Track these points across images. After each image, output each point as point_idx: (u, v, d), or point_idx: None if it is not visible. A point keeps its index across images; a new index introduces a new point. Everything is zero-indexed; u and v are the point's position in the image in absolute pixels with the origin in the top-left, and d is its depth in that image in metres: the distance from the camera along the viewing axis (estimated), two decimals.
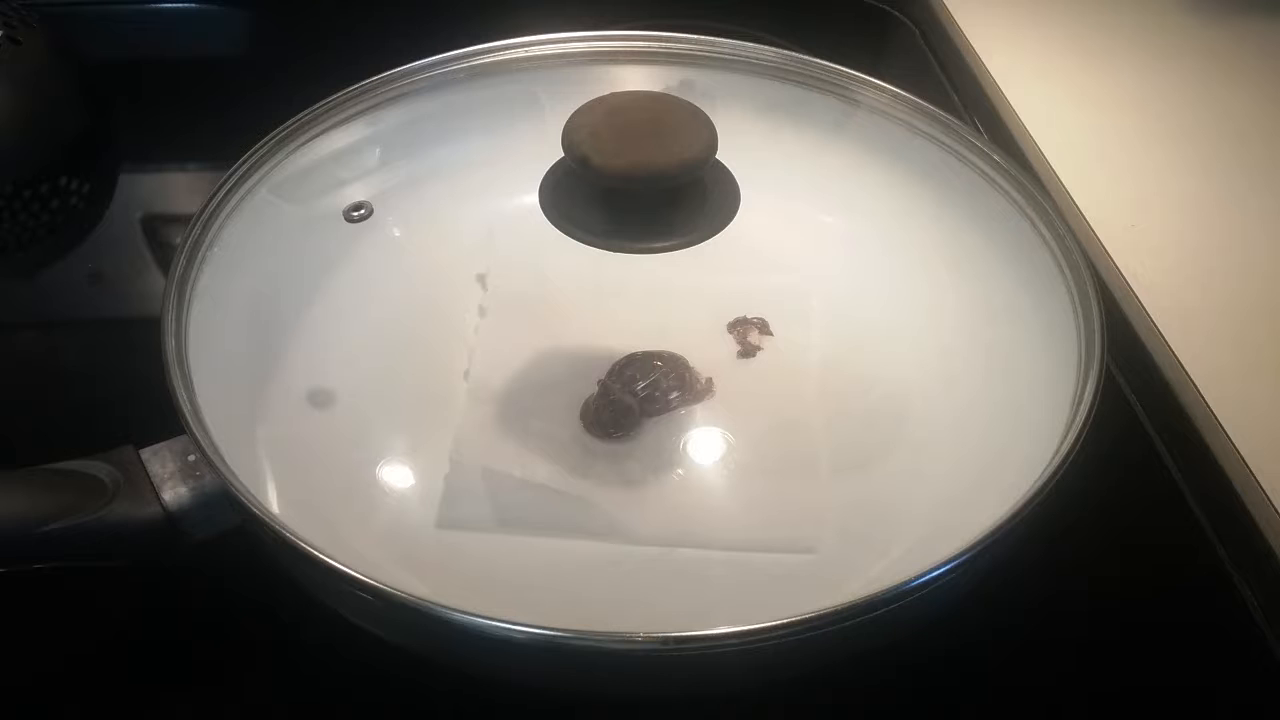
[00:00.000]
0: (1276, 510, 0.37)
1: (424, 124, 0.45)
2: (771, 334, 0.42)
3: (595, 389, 0.39)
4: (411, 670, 0.35)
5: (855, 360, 0.41)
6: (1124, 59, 0.56)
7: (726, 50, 0.45)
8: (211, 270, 0.39)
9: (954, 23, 0.58)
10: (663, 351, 0.40)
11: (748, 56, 0.45)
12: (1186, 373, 0.41)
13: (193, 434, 0.33)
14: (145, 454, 0.34)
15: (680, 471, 0.38)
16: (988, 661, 0.37)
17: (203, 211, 0.39)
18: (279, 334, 0.41)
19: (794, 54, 0.45)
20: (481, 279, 0.43)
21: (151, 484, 0.34)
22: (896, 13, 0.63)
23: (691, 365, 0.40)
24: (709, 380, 0.40)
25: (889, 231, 0.44)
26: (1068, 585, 0.39)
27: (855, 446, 0.39)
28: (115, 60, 0.60)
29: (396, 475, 0.39)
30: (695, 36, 0.45)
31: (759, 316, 0.42)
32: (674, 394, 0.39)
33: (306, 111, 0.43)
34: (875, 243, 0.44)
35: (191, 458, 0.34)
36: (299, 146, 0.43)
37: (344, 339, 0.41)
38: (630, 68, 0.46)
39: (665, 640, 0.29)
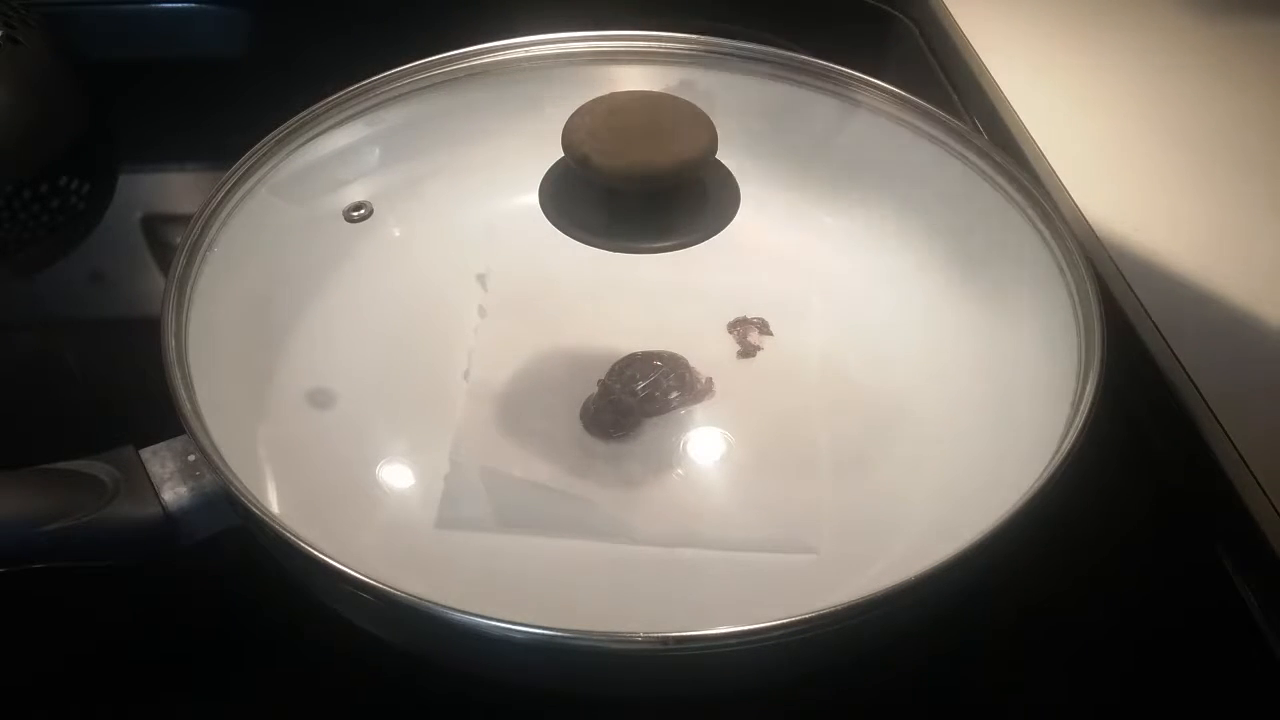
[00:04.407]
0: (1276, 510, 0.37)
1: (424, 124, 0.45)
2: (771, 334, 0.42)
3: (595, 389, 0.39)
4: (411, 670, 0.35)
5: (855, 360, 0.41)
6: (1124, 58, 0.56)
7: (726, 50, 0.45)
8: (211, 270, 0.39)
9: (954, 23, 0.58)
10: (663, 351, 0.40)
11: (748, 56, 0.45)
12: (1187, 373, 0.41)
13: (193, 434, 0.33)
14: (145, 454, 0.34)
15: (680, 471, 0.38)
16: (987, 661, 0.37)
17: (203, 211, 0.39)
18: (279, 334, 0.41)
19: (794, 54, 0.45)
20: (481, 279, 0.43)
21: (151, 484, 0.34)
22: (896, 13, 0.63)
23: (691, 365, 0.40)
24: (709, 380, 0.40)
25: (889, 232, 0.44)
26: (1067, 585, 0.39)
27: (855, 446, 0.39)
28: (115, 60, 0.60)
29: (396, 475, 0.39)
30: (695, 36, 0.45)
31: (759, 316, 0.42)
32: (674, 394, 0.39)
33: (306, 111, 0.43)
34: (875, 243, 0.44)
35: (191, 458, 0.34)
36: (299, 146, 0.43)
37: (344, 339, 0.41)
38: (630, 68, 0.46)
39: (665, 640, 0.29)
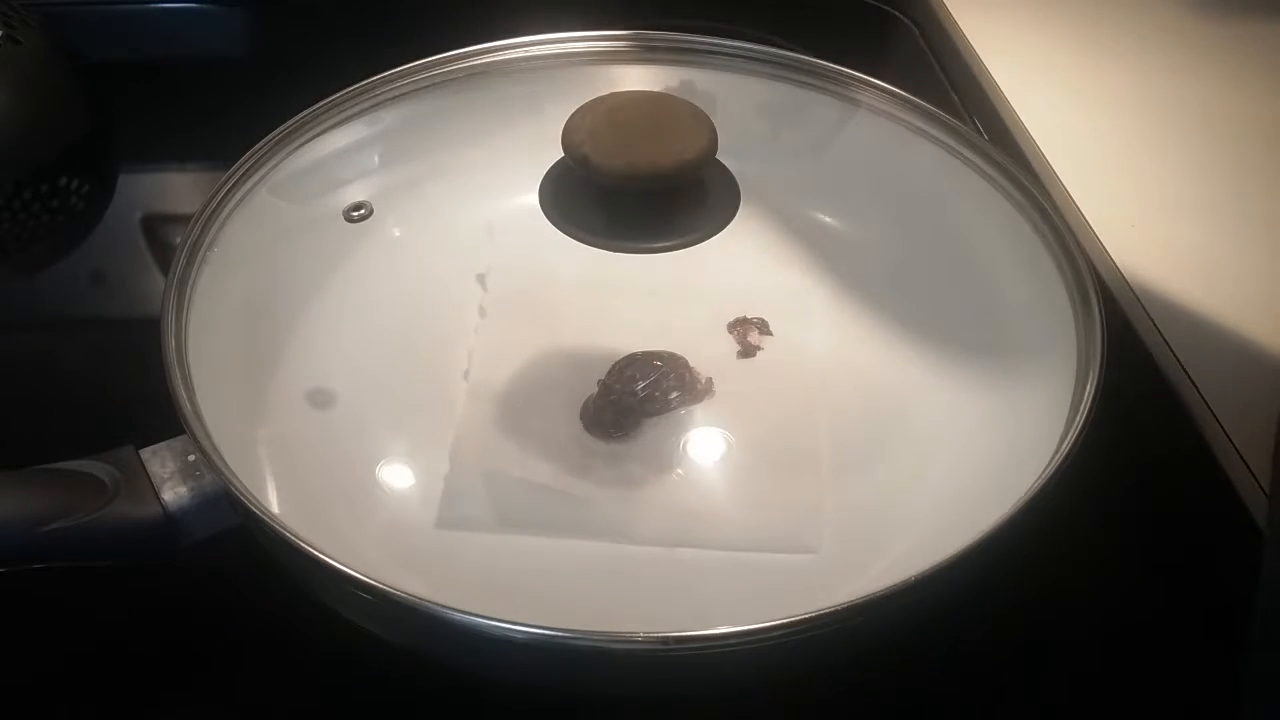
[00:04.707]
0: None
1: (424, 124, 0.45)
2: (771, 334, 0.42)
3: (595, 389, 0.39)
4: (411, 670, 0.35)
5: (855, 360, 0.41)
6: (1125, 58, 0.56)
7: (726, 50, 0.45)
8: (211, 270, 0.39)
9: (954, 23, 0.58)
10: (663, 351, 0.40)
11: (748, 56, 0.45)
12: (1186, 373, 0.41)
13: (193, 434, 0.33)
14: (145, 454, 0.34)
15: (680, 471, 0.38)
16: (987, 661, 0.37)
17: (203, 211, 0.39)
18: (279, 334, 0.41)
19: (794, 54, 0.45)
20: (481, 279, 0.43)
21: (151, 484, 0.34)
22: (896, 13, 0.63)
23: (691, 365, 0.40)
24: (709, 380, 0.40)
25: (889, 231, 0.44)
26: (1068, 584, 0.39)
27: (855, 446, 0.39)
28: (115, 60, 0.60)
29: (396, 475, 0.39)
30: (695, 36, 0.45)
31: (759, 316, 0.42)
32: (674, 394, 0.39)
33: (306, 111, 0.43)
34: (875, 243, 0.44)
35: (191, 458, 0.34)
36: (299, 146, 0.43)
37: (344, 339, 0.41)
38: (630, 68, 0.46)
39: (665, 640, 0.29)
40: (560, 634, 0.29)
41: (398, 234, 0.44)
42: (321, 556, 0.30)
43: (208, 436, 0.33)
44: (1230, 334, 0.43)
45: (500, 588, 0.35)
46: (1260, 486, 0.38)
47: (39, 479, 0.34)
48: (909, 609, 0.31)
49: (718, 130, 0.35)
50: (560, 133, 0.35)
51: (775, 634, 0.29)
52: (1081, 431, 0.33)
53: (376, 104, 0.44)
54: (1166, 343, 0.42)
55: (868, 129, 0.44)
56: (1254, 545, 0.37)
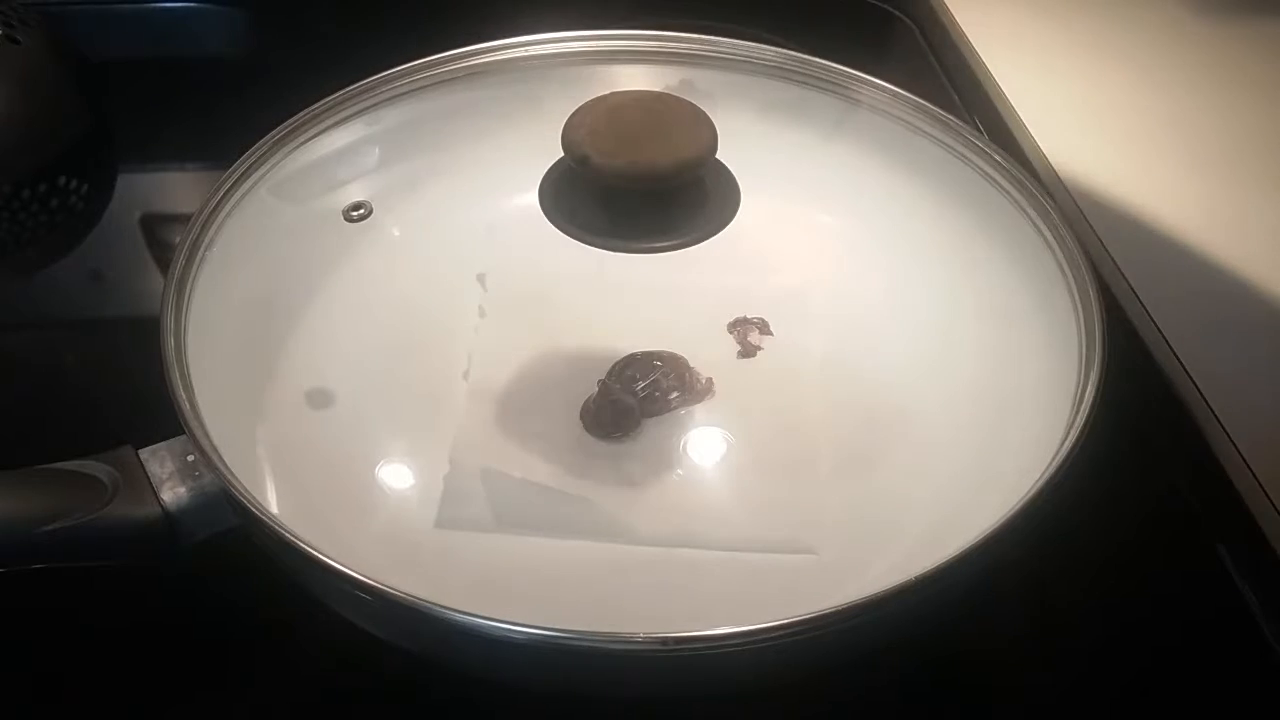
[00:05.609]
0: (1277, 510, 0.37)
1: (424, 124, 0.45)
2: (771, 334, 0.42)
3: (595, 389, 0.39)
4: (411, 670, 0.35)
5: (855, 360, 0.41)
6: (1125, 58, 0.56)
7: (726, 50, 0.45)
8: (211, 270, 0.39)
9: (954, 22, 0.58)
10: (663, 351, 0.40)
11: (748, 56, 0.45)
12: (1187, 372, 0.41)
13: (192, 434, 0.33)
14: (144, 454, 0.34)
15: (680, 471, 0.38)
16: (987, 661, 0.37)
17: (202, 211, 0.39)
18: (279, 334, 0.41)
19: (794, 54, 0.45)
20: (481, 279, 0.43)
21: (150, 484, 0.34)
22: (896, 12, 0.64)
23: (691, 365, 0.40)
24: (709, 380, 0.40)
25: (889, 231, 0.44)
26: (1067, 585, 0.39)
27: (855, 446, 0.39)
28: (115, 60, 0.60)
29: (396, 475, 0.39)
30: (695, 36, 0.45)
31: (759, 316, 0.42)
32: (674, 394, 0.39)
33: (306, 111, 0.43)
34: (875, 243, 0.44)
35: (191, 458, 0.34)
36: (299, 146, 0.43)
37: (344, 339, 0.41)
38: (630, 68, 0.45)
39: (665, 640, 0.29)
40: (560, 634, 0.29)
41: (397, 234, 0.44)
42: (320, 556, 0.30)
43: (207, 436, 0.33)
44: (1231, 334, 0.43)
45: (500, 588, 0.35)
46: (1261, 486, 0.38)
47: (39, 479, 0.34)
48: (909, 609, 0.31)
49: (718, 130, 0.35)
50: (560, 133, 0.35)
51: (775, 634, 0.29)
52: (1081, 432, 0.33)
53: (376, 104, 0.44)
54: (1167, 342, 0.42)
55: (868, 128, 0.44)
56: (1254, 543, 0.37)
